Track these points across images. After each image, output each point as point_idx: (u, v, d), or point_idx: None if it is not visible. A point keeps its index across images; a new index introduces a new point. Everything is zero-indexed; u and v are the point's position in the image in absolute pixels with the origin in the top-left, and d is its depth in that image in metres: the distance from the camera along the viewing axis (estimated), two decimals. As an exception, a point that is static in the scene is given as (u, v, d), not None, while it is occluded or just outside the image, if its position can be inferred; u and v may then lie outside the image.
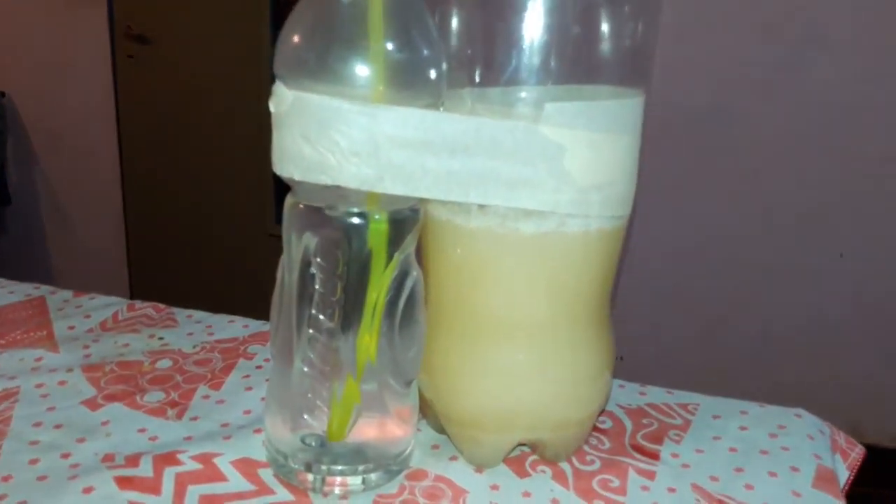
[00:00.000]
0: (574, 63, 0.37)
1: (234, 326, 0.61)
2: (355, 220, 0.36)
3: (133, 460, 0.42)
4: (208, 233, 1.87)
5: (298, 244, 0.37)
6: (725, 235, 1.40)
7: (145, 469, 0.41)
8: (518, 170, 0.36)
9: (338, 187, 0.35)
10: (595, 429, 0.47)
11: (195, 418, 0.47)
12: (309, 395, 0.39)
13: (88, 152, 2.11)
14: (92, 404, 0.48)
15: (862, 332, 1.35)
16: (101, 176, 2.02)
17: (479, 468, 0.43)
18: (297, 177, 0.36)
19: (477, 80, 0.37)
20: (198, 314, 0.63)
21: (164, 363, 0.54)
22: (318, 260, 0.37)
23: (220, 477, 0.41)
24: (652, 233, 1.40)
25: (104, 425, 0.46)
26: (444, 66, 0.36)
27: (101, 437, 0.45)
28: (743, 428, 0.48)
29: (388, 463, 0.41)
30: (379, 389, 0.40)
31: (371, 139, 0.34)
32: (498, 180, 0.36)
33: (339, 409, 0.38)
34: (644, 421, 0.48)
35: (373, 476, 0.40)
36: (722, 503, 0.40)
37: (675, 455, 0.45)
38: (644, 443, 0.46)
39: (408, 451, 0.42)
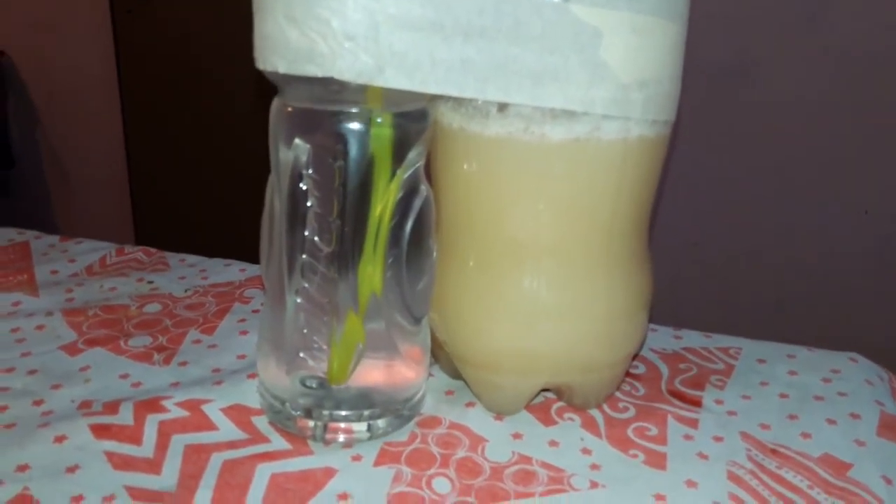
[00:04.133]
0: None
1: (230, 270, 0.56)
2: (353, 124, 0.31)
3: (112, 407, 0.37)
4: (217, 188, 1.83)
5: (287, 155, 0.32)
6: (743, 197, 1.34)
7: (125, 416, 0.37)
8: (546, 60, 0.30)
9: (331, 81, 0.30)
10: (628, 374, 0.42)
11: (184, 363, 0.43)
12: (305, 332, 0.34)
13: (90, 111, 2.06)
14: (71, 349, 0.44)
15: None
16: (103, 133, 1.97)
17: (499, 415, 0.38)
18: (281, 69, 0.30)
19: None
20: (191, 258, 0.58)
21: (153, 307, 0.50)
22: (311, 172, 0.32)
23: (208, 425, 0.37)
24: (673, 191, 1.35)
25: (83, 371, 0.41)
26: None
27: (80, 383, 0.40)
28: (792, 373, 0.43)
29: (396, 408, 0.36)
30: (385, 327, 0.35)
31: (369, 19, 0.29)
32: (521, 72, 0.30)
33: (340, 349, 0.34)
34: (681, 366, 0.43)
35: (380, 422, 0.36)
36: (776, 453, 0.35)
37: (718, 401, 0.40)
38: (683, 389, 0.41)
39: (419, 396, 0.37)
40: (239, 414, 0.37)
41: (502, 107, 0.32)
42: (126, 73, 1.92)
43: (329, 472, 0.33)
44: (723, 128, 1.31)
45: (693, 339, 0.47)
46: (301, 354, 0.34)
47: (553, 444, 0.36)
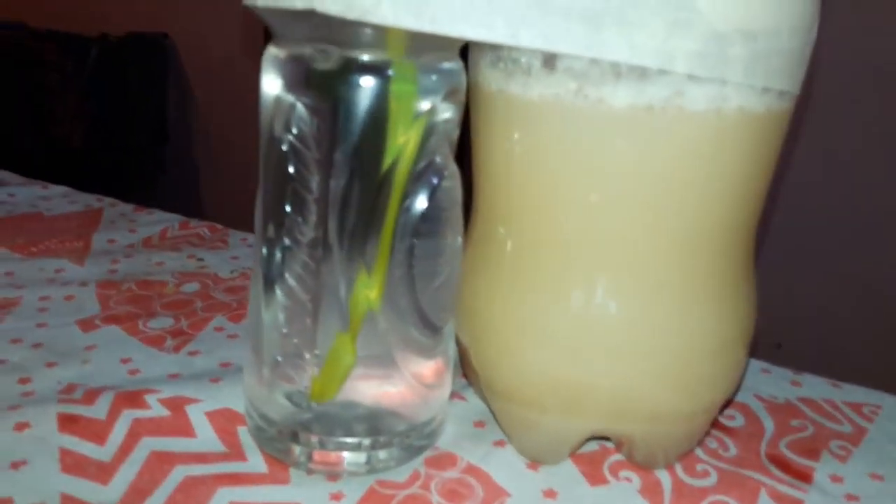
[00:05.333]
0: None
1: (285, 254, 0.51)
2: (362, 77, 0.24)
3: (92, 396, 0.33)
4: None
5: (278, 114, 0.26)
6: None
7: (100, 409, 0.32)
8: (604, -5, 0.22)
9: (332, 20, 0.23)
10: (717, 425, 0.32)
11: (194, 353, 0.37)
12: (285, 332, 0.27)
13: (242, 93, 2.12)
14: (88, 325, 0.40)
15: None
16: (254, 113, 2.03)
17: (534, 463, 0.30)
18: (260, 2, 0.24)
19: None
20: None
21: (191, 287, 0.45)
22: (294, 134, 0.25)
23: (186, 430, 0.31)
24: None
25: (87, 350, 0.37)
26: None
27: (77, 363, 0.36)
28: (951, 451, 0.32)
29: (404, 437, 0.29)
30: (392, 333, 0.28)
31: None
32: (571, 11, 0.22)
33: (325, 363, 0.27)
34: (794, 423, 0.33)
35: (381, 454, 0.29)
36: (910, 568, 0.25)
37: (836, 478, 0.29)
38: (791, 455, 0.31)
39: (434, 425, 0.30)
40: (225, 421, 0.32)
41: (548, 60, 0.24)
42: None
43: (297, 511, 0.27)
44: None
45: (817, 387, 0.36)
46: (279, 358, 0.27)
47: (594, 510, 0.27)
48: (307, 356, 0.27)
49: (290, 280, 0.26)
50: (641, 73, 0.23)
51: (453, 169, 0.27)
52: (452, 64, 0.26)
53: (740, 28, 0.23)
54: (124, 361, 0.36)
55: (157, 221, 0.56)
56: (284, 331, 0.27)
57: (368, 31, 0.24)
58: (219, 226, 0.56)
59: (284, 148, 0.25)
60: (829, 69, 1.09)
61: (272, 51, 0.26)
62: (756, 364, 0.37)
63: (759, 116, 0.24)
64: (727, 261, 0.27)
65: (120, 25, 1.94)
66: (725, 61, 0.23)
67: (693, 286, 0.27)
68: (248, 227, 0.54)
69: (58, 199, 0.61)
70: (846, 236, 1.20)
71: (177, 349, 0.38)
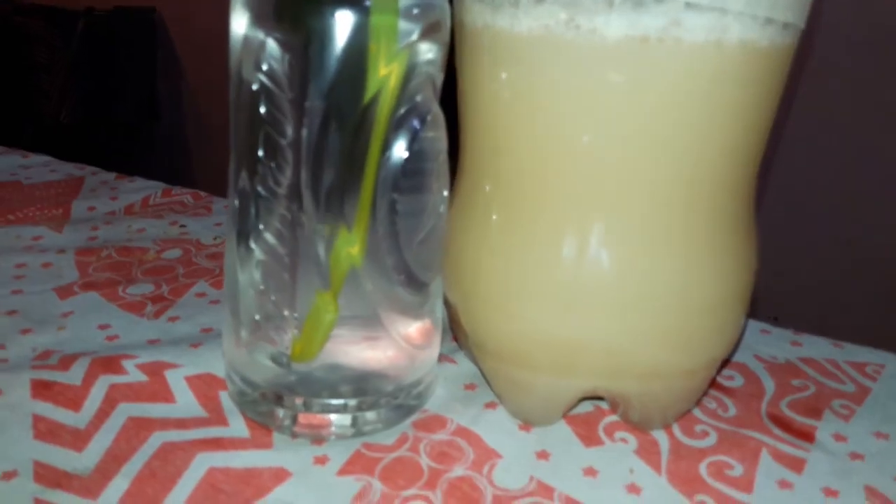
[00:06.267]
0: None
1: (271, 219, 0.49)
2: (336, 8, 0.23)
3: (67, 362, 0.31)
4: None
5: (248, 52, 0.24)
6: None
7: (74, 375, 0.31)
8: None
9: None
10: (715, 385, 0.31)
11: (174, 318, 0.36)
12: (262, 289, 0.26)
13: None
14: (65, 291, 0.39)
15: None
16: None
17: (527, 424, 0.29)
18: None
19: None
20: (236, 204, 0.52)
21: (173, 253, 0.44)
22: (265, 71, 0.24)
23: (165, 395, 0.30)
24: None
25: (64, 317, 0.36)
26: None
27: (52, 330, 0.35)
28: (957, 408, 0.31)
29: (392, 398, 0.28)
30: (376, 295, 0.26)
31: None
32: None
33: (305, 322, 0.26)
34: (795, 382, 0.32)
35: (369, 415, 0.28)
36: (918, 526, 0.24)
37: (840, 437, 0.28)
38: (792, 414, 0.30)
39: (424, 385, 0.29)
40: (206, 386, 0.30)
41: (537, -8, 0.22)
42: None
43: (279, 476, 0.26)
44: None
45: (818, 347, 0.35)
46: (257, 318, 0.26)
47: (590, 472, 0.26)
48: (286, 315, 0.26)
49: (266, 234, 0.25)
50: (636, 2, 0.22)
51: (437, 113, 0.25)
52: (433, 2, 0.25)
53: (742, -45, 0.21)
54: (102, 328, 0.35)
55: (139, 189, 0.55)
56: (262, 288, 0.26)
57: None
58: (202, 193, 0.55)
59: (255, 88, 0.24)
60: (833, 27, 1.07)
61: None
62: (755, 324, 0.36)
63: (761, 50, 0.23)
64: (726, 211, 0.26)
65: (107, 0, 1.91)
66: (725, -11, 0.21)
67: (691, 237, 0.26)
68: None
69: (38, 167, 0.60)
70: (845, 207, 1.19)
71: (157, 315, 0.37)
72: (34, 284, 0.39)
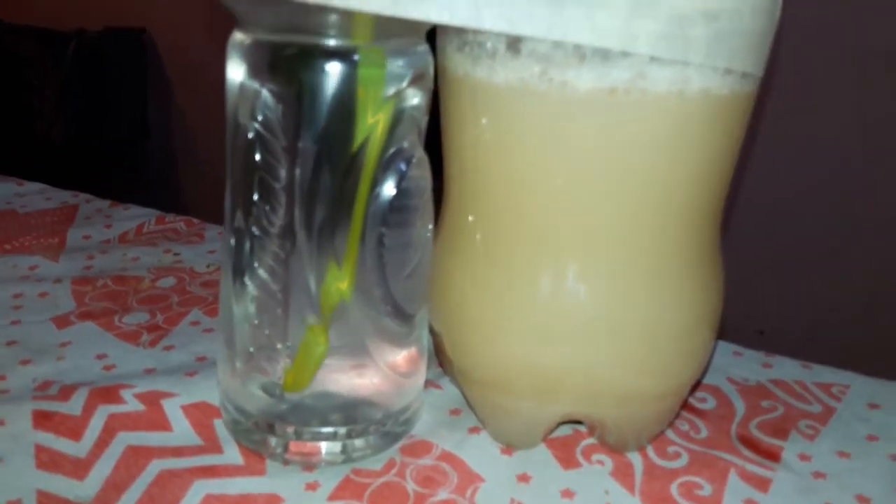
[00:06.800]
0: None
1: (262, 247, 0.51)
2: (327, 62, 0.24)
3: (67, 392, 0.33)
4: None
5: (243, 100, 0.26)
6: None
7: (75, 405, 0.32)
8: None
9: (297, 6, 0.23)
10: (688, 408, 0.33)
11: (169, 347, 0.37)
12: (256, 324, 0.27)
13: (224, 83, 2.11)
14: (62, 321, 0.40)
15: None
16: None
17: (508, 448, 0.30)
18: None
19: None
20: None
21: (167, 281, 0.45)
22: (260, 120, 0.25)
23: (162, 424, 0.31)
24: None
25: (62, 347, 0.37)
26: None
27: (51, 360, 0.36)
28: (917, 427, 0.32)
29: (380, 425, 0.29)
30: (365, 322, 0.28)
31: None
32: (532, -6, 0.22)
33: (297, 355, 0.27)
34: (764, 404, 0.34)
35: (358, 442, 0.29)
36: (874, 542, 0.26)
37: (804, 457, 0.30)
38: (760, 435, 0.31)
39: (411, 412, 0.30)
40: (202, 414, 0.32)
41: (512, 44, 0.24)
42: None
43: (272, 502, 0.27)
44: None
45: (787, 368, 0.37)
46: (251, 350, 0.28)
47: (567, 494, 0.28)
48: (279, 347, 0.27)
49: (260, 271, 0.27)
50: (604, 56, 0.23)
51: (421, 156, 0.27)
52: (419, 48, 0.26)
53: (702, 9, 0.23)
54: (99, 357, 0.36)
55: (133, 217, 0.56)
56: (256, 322, 0.27)
57: (333, 16, 0.24)
58: (195, 220, 0.56)
59: (250, 136, 0.25)
60: (806, 51, 1.10)
61: (237, 37, 0.26)
62: (728, 347, 0.38)
63: (722, 98, 0.24)
64: (693, 244, 0.28)
65: (98, 21, 1.92)
66: (687, 42, 0.23)
67: (660, 269, 0.27)
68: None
69: (33, 195, 0.61)
70: (829, 222, 1.21)
71: (152, 344, 0.38)
72: (32, 315, 0.41)
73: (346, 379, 0.29)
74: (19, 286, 0.44)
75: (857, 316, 1.23)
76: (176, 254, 0.49)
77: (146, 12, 2.05)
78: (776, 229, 1.26)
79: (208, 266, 0.48)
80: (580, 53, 0.23)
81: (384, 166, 0.26)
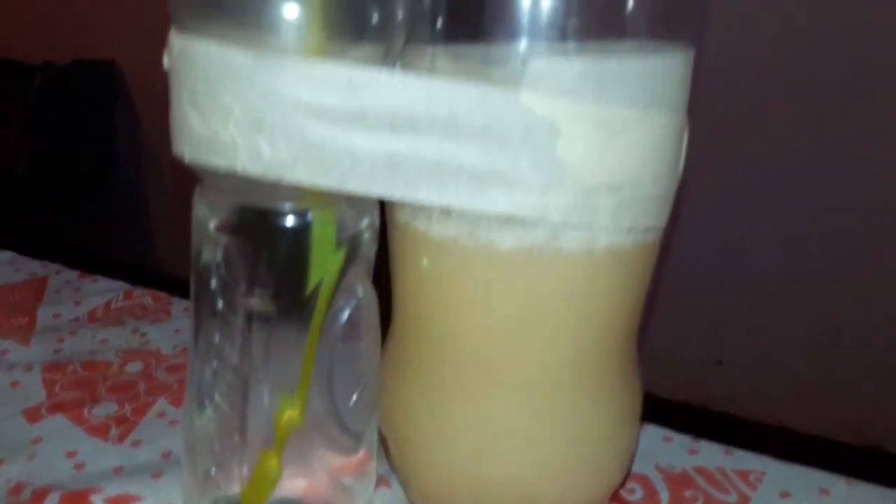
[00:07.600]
0: (584, 8, 0.25)
1: (227, 326, 0.53)
2: (281, 221, 0.27)
3: (39, 497, 0.35)
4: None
5: (207, 245, 0.28)
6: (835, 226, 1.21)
7: (46, 511, 0.34)
8: (491, 158, 0.25)
9: (245, 177, 0.26)
10: (618, 500, 0.36)
11: (137, 443, 0.40)
12: (216, 448, 0.30)
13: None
14: (34, 415, 0.42)
15: None
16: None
17: (451, 549, 0.33)
18: (186, 156, 0.27)
19: (441, 29, 0.27)
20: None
21: (135, 366, 0.47)
22: (222, 272, 0.28)
23: (129, 530, 0.33)
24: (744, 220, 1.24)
25: (34, 444, 0.39)
26: (399, 6, 0.26)
27: (23, 459, 0.38)
28: (823, 516, 0.35)
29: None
30: (314, 442, 0.30)
31: (276, 106, 0.25)
32: (460, 172, 0.25)
33: (255, 476, 0.29)
34: (687, 494, 0.37)
35: (312, 549, 0.32)
36: None
37: (719, 551, 0.33)
38: (680, 528, 0.34)
39: (361, 516, 0.33)
40: (166, 518, 0.34)
41: (444, 208, 0.27)
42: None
43: None
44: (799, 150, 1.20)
45: (711, 455, 0.40)
46: (213, 472, 0.30)
47: None
48: (236, 470, 0.30)
49: (219, 399, 0.29)
50: (523, 221, 0.26)
51: (368, 288, 0.30)
52: (368, 202, 0.29)
53: (606, 182, 0.26)
54: (70, 455, 0.39)
55: (102, 291, 0.58)
56: (216, 447, 0.30)
57: (287, 186, 0.27)
58: (161, 294, 0.58)
59: (213, 286, 0.28)
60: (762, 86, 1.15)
61: (200, 192, 0.29)
62: (659, 432, 0.41)
63: (627, 251, 0.28)
64: (610, 366, 0.31)
65: (66, 53, 1.93)
66: (594, 211, 0.26)
67: (581, 390, 0.30)
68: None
69: (2, 266, 0.63)
70: (788, 253, 1.25)
71: (121, 439, 0.40)
72: (4, 407, 0.42)
73: (298, 488, 0.31)
74: (-9, 375, 0.46)
75: (812, 345, 1.28)
76: (143, 334, 0.52)
77: (114, 44, 2.06)
78: (734, 262, 1.30)
79: (174, 348, 0.50)
80: (502, 218, 0.26)
81: (335, 302, 0.29)
